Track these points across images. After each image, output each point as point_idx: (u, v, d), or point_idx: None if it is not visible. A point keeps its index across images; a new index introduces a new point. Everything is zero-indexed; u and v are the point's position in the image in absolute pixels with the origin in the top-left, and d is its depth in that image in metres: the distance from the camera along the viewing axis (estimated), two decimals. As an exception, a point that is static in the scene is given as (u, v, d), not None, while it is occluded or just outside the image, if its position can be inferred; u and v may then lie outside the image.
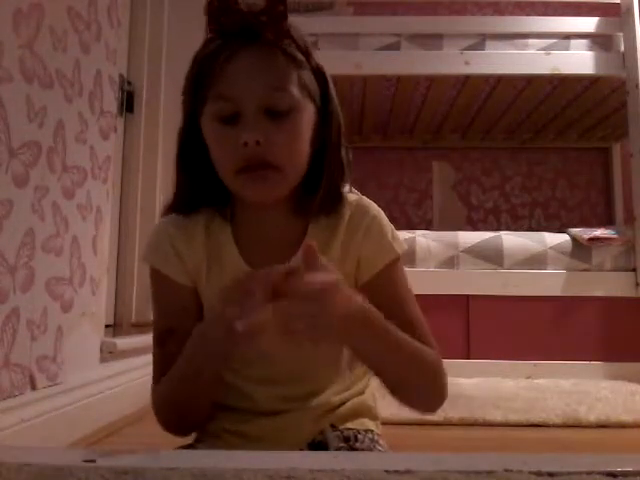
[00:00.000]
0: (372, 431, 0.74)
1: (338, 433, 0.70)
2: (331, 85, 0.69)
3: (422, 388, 0.68)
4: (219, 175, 0.67)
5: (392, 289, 0.70)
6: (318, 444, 0.69)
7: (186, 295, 0.70)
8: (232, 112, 0.63)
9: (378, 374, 0.65)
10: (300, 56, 0.65)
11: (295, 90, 0.64)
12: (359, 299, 0.59)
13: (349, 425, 0.72)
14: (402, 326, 0.64)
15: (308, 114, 0.66)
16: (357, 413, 0.73)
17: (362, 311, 0.58)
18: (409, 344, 0.64)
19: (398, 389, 0.66)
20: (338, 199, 0.69)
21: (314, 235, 0.69)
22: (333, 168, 0.68)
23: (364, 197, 0.73)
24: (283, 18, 0.63)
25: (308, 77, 0.66)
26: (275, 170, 0.63)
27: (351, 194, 0.72)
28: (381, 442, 0.74)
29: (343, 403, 0.72)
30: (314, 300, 0.53)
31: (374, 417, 0.76)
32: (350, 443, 0.70)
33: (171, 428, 0.69)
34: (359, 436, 0.71)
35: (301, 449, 0.68)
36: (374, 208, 0.72)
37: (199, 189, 0.69)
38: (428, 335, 0.68)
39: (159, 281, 0.71)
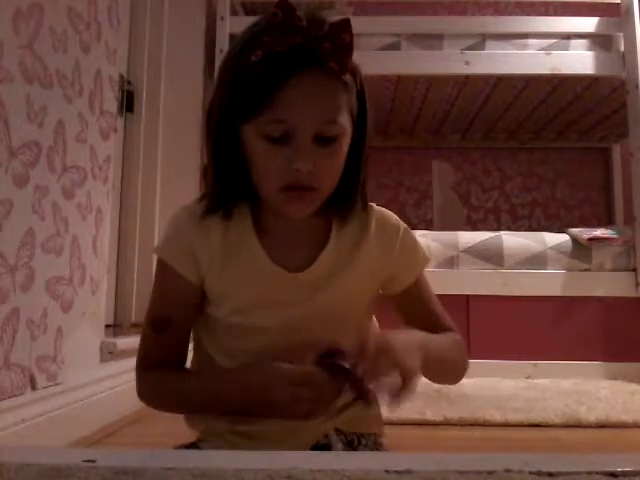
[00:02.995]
0: (375, 434, 0.75)
1: (342, 437, 0.71)
2: (367, 99, 0.69)
3: (461, 369, 0.77)
4: (256, 184, 0.67)
5: (422, 293, 0.78)
6: (322, 447, 0.69)
7: (191, 292, 0.71)
8: (283, 133, 0.62)
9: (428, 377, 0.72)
10: (351, 80, 0.65)
11: (345, 119, 0.64)
12: (418, 338, 0.66)
13: (353, 428, 0.72)
14: (431, 320, 0.75)
15: (349, 134, 0.66)
16: (361, 416, 0.73)
17: (425, 349, 0.65)
18: (448, 345, 0.73)
19: (439, 379, 0.78)
20: (365, 202, 0.72)
21: (339, 236, 0.71)
22: (363, 176, 0.70)
23: (383, 208, 0.76)
24: (350, 51, 0.63)
25: (354, 99, 0.66)
26: (316, 192, 0.65)
27: (372, 204, 0.75)
28: (384, 445, 0.75)
29: (347, 405, 0.73)
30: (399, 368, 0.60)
31: (377, 419, 0.77)
32: (353, 446, 0.71)
33: (156, 408, 0.76)
34: (362, 440, 0.72)
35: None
36: (399, 220, 0.76)
37: (233, 189, 0.69)
38: (449, 320, 0.77)
39: (167, 273, 0.71)
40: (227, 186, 0.68)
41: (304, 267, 0.70)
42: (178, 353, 0.72)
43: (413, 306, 0.77)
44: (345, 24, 0.62)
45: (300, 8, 0.62)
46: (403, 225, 0.76)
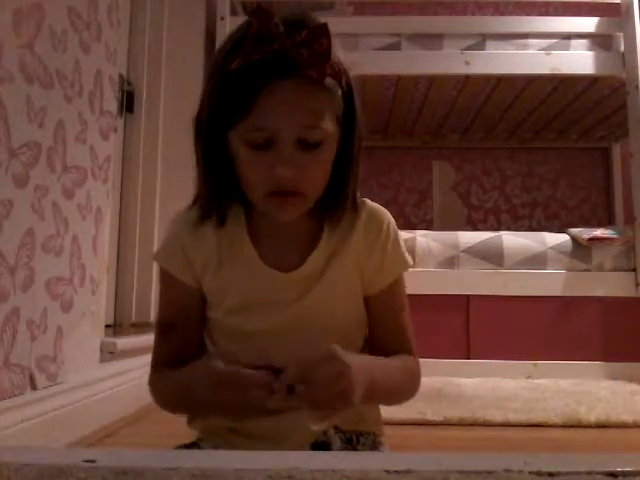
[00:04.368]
0: (374, 433, 0.75)
1: (341, 435, 0.71)
2: (357, 99, 0.68)
3: (406, 395, 0.75)
4: (244, 189, 0.67)
5: (395, 302, 0.75)
6: (321, 445, 0.69)
7: (189, 295, 0.73)
8: (265, 140, 0.62)
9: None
10: (334, 84, 0.64)
11: (328, 123, 0.64)
12: (370, 368, 0.64)
13: (352, 427, 0.72)
14: (394, 336, 0.74)
15: (335, 137, 0.66)
16: (360, 415, 0.74)
17: (371, 379, 0.63)
18: (400, 372, 0.72)
19: (389, 403, 0.75)
20: (355, 203, 0.71)
21: (330, 235, 0.71)
22: (354, 177, 0.69)
23: (375, 203, 0.75)
24: (327, 58, 0.61)
25: (339, 102, 0.66)
26: (302, 196, 0.65)
27: (365, 199, 0.74)
28: (383, 444, 0.75)
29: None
30: (337, 386, 0.58)
31: (377, 419, 0.77)
32: (352, 444, 0.71)
33: (167, 410, 0.75)
34: (361, 438, 0.72)
35: (304, 450, 0.68)
36: (390, 218, 0.74)
37: (224, 193, 0.69)
38: (411, 340, 0.75)
39: (167, 278, 0.74)
40: (218, 191, 0.69)
41: (295, 267, 0.70)
42: (185, 354, 0.72)
43: (382, 315, 0.74)
44: (323, 29, 0.61)
45: (280, 12, 0.62)
46: (392, 222, 0.74)
